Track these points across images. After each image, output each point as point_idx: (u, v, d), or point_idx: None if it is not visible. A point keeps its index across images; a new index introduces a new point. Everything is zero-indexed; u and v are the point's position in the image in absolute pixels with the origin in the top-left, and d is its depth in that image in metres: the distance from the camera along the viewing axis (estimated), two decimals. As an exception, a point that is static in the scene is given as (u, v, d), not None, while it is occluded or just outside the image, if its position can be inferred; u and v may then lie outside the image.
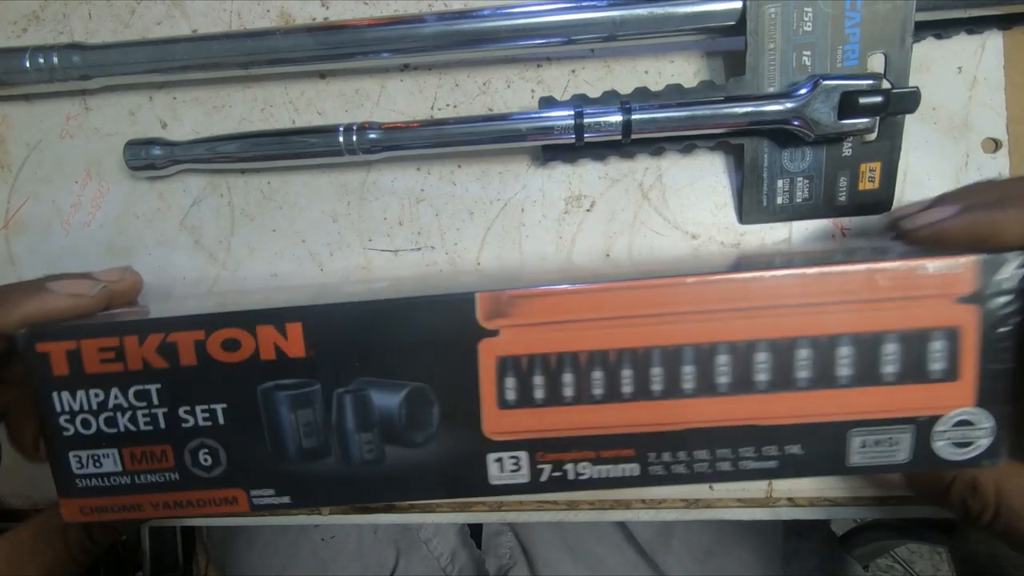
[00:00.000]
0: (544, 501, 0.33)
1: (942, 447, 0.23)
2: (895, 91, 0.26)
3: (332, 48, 0.28)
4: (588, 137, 0.28)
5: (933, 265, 0.21)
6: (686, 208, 0.31)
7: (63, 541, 0.28)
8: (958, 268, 0.21)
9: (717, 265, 0.25)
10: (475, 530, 0.55)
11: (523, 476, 0.24)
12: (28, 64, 0.29)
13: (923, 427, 0.23)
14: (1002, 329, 0.21)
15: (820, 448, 0.23)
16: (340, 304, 0.23)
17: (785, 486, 0.32)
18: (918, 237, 0.23)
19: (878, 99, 0.26)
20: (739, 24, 0.27)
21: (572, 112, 0.27)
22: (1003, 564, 0.46)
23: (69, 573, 0.29)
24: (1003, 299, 0.21)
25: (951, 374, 0.22)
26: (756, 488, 0.32)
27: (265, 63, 0.29)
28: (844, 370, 0.22)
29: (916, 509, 0.33)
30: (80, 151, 0.32)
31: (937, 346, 0.22)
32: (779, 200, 0.29)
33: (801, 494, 0.32)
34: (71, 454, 0.24)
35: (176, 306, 0.26)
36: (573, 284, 0.22)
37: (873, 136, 0.28)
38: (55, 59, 0.29)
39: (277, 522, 0.35)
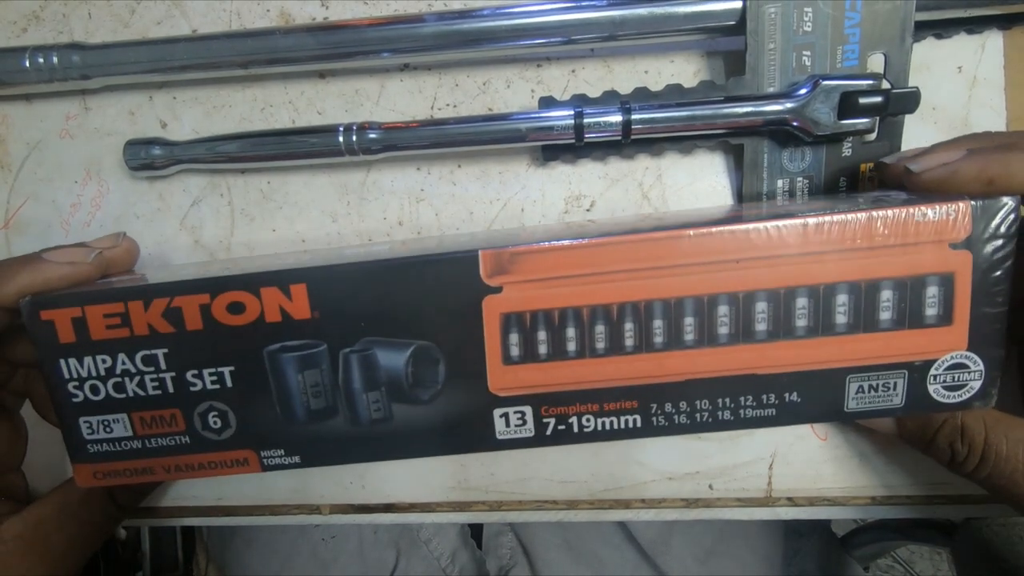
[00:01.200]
0: (544, 501, 0.33)
1: (935, 390, 0.23)
2: (895, 91, 0.26)
3: (332, 48, 0.28)
4: (588, 137, 0.28)
5: (928, 211, 0.21)
6: (686, 208, 0.31)
7: (87, 510, 0.28)
8: (952, 214, 0.21)
9: (716, 216, 0.25)
10: (475, 530, 0.55)
11: (528, 430, 0.24)
12: (28, 64, 0.29)
13: (917, 371, 0.23)
14: (994, 274, 0.22)
15: (818, 395, 0.24)
16: (344, 265, 0.23)
17: (785, 485, 0.32)
18: (924, 180, 0.23)
19: (878, 99, 0.26)
20: (739, 24, 0.27)
21: (572, 112, 0.27)
22: (1004, 565, 0.46)
23: (97, 540, 0.30)
24: (995, 244, 0.22)
25: (945, 319, 0.23)
26: (756, 488, 0.32)
27: (265, 63, 0.29)
28: (841, 318, 0.23)
29: (917, 509, 0.33)
30: (80, 151, 0.32)
31: (932, 292, 0.22)
32: (779, 200, 0.29)
33: (801, 494, 0.32)
34: (81, 420, 0.24)
35: (177, 272, 0.26)
36: (574, 239, 0.22)
37: (873, 136, 0.28)
38: (55, 59, 0.29)
39: (277, 522, 0.35)
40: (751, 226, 0.22)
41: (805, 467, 0.32)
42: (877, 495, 0.32)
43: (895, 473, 0.32)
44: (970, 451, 0.25)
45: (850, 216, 0.22)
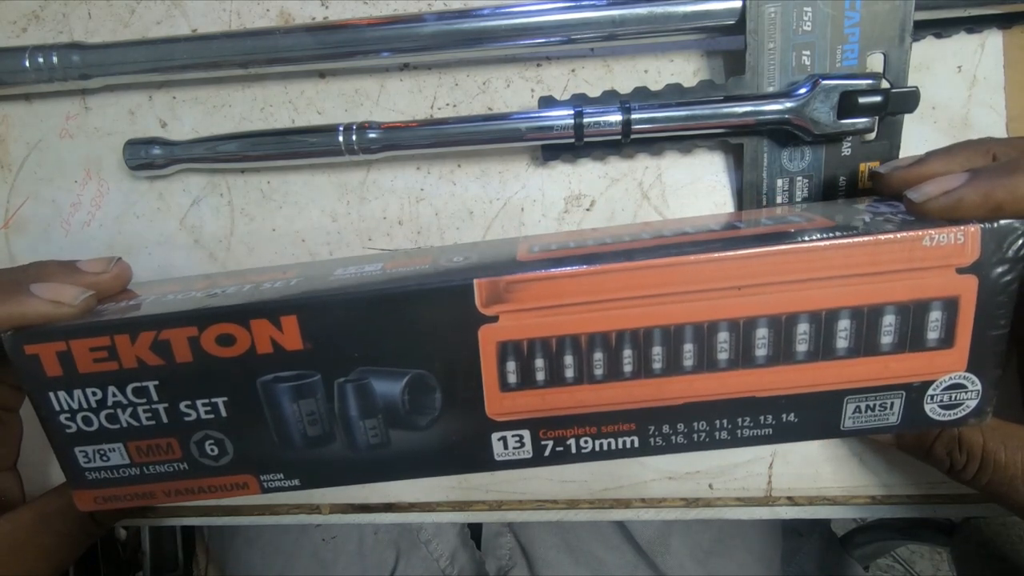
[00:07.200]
0: (544, 500, 0.33)
1: (931, 409, 0.23)
2: (894, 90, 0.26)
3: (332, 47, 0.28)
4: (588, 137, 0.28)
5: (936, 236, 0.21)
6: (686, 207, 0.31)
7: (64, 523, 0.28)
8: (961, 239, 0.21)
9: (715, 225, 0.25)
10: (475, 531, 0.55)
11: (526, 452, 0.24)
12: (28, 64, 0.29)
13: (915, 392, 0.23)
14: (999, 297, 0.22)
15: (815, 415, 0.24)
16: (335, 296, 0.22)
17: (785, 484, 0.32)
18: (928, 210, 0.22)
19: (877, 99, 0.26)
20: (739, 23, 0.27)
21: (572, 112, 0.27)
22: (1004, 565, 0.46)
23: (69, 555, 0.29)
24: (1003, 268, 0.21)
25: (946, 342, 0.22)
26: (756, 487, 0.32)
27: (265, 62, 0.29)
28: (842, 342, 0.22)
29: (917, 509, 0.33)
30: (80, 151, 0.32)
31: (935, 316, 0.22)
32: (778, 199, 0.29)
33: (801, 493, 0.32)
34: (76, 450, 0.24)
35: (167, 291, 0.26)
36: (570, 267, 0.22)
37: (872, 136, 0.28)
38: (55, 59, 0.29)
39: (278, 522, 0.35)
40: (754, 252, 0.21)
41: (805, 466, 0.32)
42: (877, 494, 0.32)
43: (894, 472, 0.32)
44: (968, 459, 0.25)
45: (856, 241, 0.21)
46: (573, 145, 0.28)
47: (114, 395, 0.23)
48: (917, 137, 0.29)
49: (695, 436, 0.24)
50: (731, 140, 0.28)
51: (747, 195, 0.29)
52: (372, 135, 0.29)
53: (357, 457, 0.24)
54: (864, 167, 0.28)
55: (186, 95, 0.31)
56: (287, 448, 0.24)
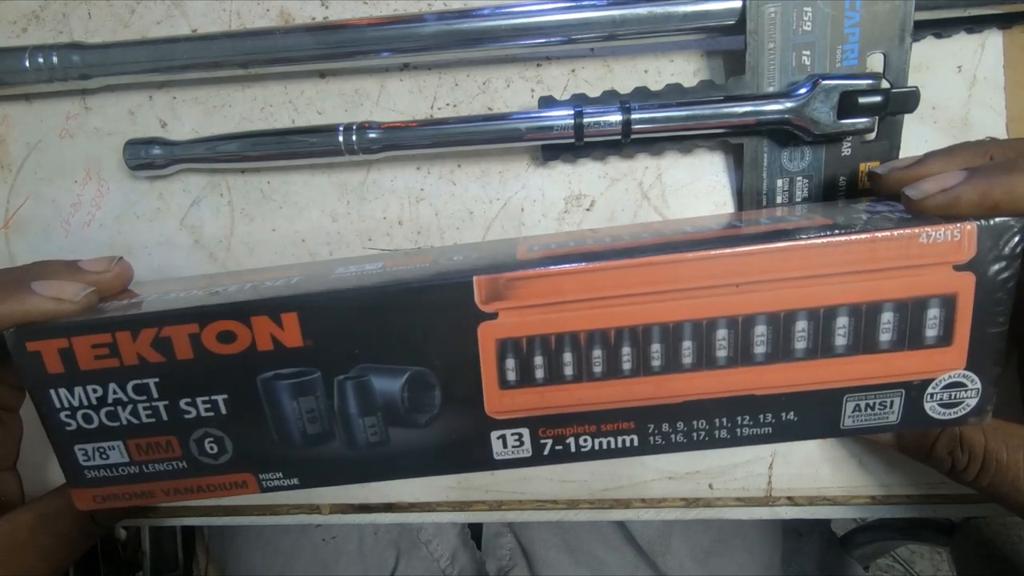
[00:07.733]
0: (544, 500, 0.33)
1: (931, 408, 0.23)
2: (894, 91, 0.26)
3: (332, 48, 0.28)
4: (588, 137, 0.28)
5: (932, 234, 0.21)
6: (686, 207, 0.31)
7: (63, 524, 0.28)
8: (958, 236, 0.21)
9: (715, 226, 0.25)
10: (475, 531, 0.55)
11: (526, 451, 0.24)
12: (28, 64, 0.29)
13: (915, 390, 0.23)
14: (996, 294, 0.22)
15: (815, 414, 0.24)
16: (335, 293, 0.22)
17: (785, 485, 0.32)
18: (925, 207, 0.22)
19: (877, 99, 0.26)
20: (739, 23, 0.27)
21: (572, 112, 0.27)
22: (1004, 564, 0.46)
23: (69, 555, 0.29)
24: (1000, 265, 0.21)
25: (945, 340, 0.22)
26: (756, 487, 0.32)
27: (265, 63, 0.29)
28: (841, 340, 0.22)
29: (917, 509, 0.33)
30: (80, 151, 0.32)
31: (933, 313, 0.22)
32: (778, 200, 0.29)
33: (801, 493, 0.32)
34: (76, 448, 0.24)
35: (169, 290, 0.26)
36: (570, 264, 0.22)
37: (872, 136, 0.28)
38: (55, 59, 0.29)
39: (278, 522, 0.35)
40: (752, 249, 0.21)
41: (805, 467, 0.32)
42: (876, 494, 0.32)
43: (894, 473, 0.32)
44: (970, 459, 0.25)
45: (853, 239, 0.21)
46: (573, 145, 0.28)
47: (115, 392, 0.23)
48: (917, 137, 0.29)
49: (695, 435, 0.24)
50: (731, 140, 0.28)
51: (747, 195, 0.29)
52: (372, 135, 0.29)
53: (356, 455, 0.24)
54: (864, 167, 0.28)
55: (186, 95, 0.31)
56: (286, 446, 0.24)
